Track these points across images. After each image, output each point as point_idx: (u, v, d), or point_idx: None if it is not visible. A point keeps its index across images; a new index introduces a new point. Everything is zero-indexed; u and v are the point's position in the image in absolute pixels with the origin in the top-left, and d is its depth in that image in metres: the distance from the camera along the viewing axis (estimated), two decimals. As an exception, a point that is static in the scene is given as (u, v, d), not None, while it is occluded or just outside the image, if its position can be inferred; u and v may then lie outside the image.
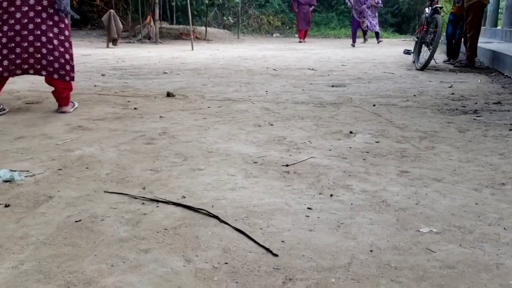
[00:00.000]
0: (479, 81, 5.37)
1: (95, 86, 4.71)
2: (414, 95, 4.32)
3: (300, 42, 13.62)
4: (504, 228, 1.58)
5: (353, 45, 12.00)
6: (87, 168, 2.18)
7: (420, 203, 1.79)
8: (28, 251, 1.41)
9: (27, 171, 2.11)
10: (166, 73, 5.86)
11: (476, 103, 3.93)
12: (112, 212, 1.69)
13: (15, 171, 2.06)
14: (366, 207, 1.75)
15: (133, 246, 1.45)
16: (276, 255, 1.40)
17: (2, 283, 1.24)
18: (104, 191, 1.89)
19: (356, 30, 12.50)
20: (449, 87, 4.88)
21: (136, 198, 1.82)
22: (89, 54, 8.29)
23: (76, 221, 1.61)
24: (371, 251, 1.43)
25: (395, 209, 1.74)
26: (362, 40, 13.29)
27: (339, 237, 1.51)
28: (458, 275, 1.30)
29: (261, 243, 1.46)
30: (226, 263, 1.35)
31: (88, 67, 6.38)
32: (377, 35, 13.09)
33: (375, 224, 1.61)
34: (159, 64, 6.86)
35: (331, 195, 1.87)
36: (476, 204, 1.79)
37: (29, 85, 4.62)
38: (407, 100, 4.05)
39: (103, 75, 5.56)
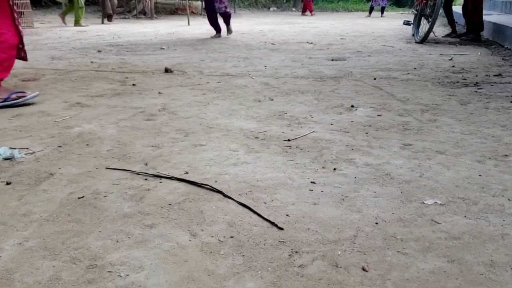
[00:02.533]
0: (479, 53, 5.32)
1: (92, 62, 4.64)
2: (415, 68, 4.28)
3: (302, 15, 14.18)
4: (509, 199, 1.58)
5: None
6: (87, 145, 2.16)
7: (424, 175, 1.79)
8: (32, 228, 1.40)
9: (27, 148, 2.09)
10: (163, 48, 5.79)
11: (476, 76, 3.90)
12: (115, 188, 1.68)
13: (15, 148, 2.04)
14: (370, 180, 1.74)
15: (138, 221, 1.44)
16: (281, 228, 1.40)
17: (8, 260, 1.24)
18: (106, 168, 1.88)
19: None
20: (449, 59, 4.83)
21: (138, 174, 1.81)
22: (84, 31, 8.17)
23: (79, 198, 1.60)
24: (376, 223, 1.42)
25: (399, 181, 1.73)
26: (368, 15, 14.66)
27: (344, 210, 1.51)
28: (463, 245, 1.30)
29: (265, 217, 1.46)
30: (232, 237, 1.35)
31: (84, 43, 6.29)
32: (382, 9, 14.54)
33: (379, 197, 1.61)
34: (156, 40, 6.77)
35: (334, 169, 1.86)
36: (480, 175, 1.79)
37: (24, 63, 4.55)
38: (408, 73, 4.01)
39: (99, 51, 5.48)
